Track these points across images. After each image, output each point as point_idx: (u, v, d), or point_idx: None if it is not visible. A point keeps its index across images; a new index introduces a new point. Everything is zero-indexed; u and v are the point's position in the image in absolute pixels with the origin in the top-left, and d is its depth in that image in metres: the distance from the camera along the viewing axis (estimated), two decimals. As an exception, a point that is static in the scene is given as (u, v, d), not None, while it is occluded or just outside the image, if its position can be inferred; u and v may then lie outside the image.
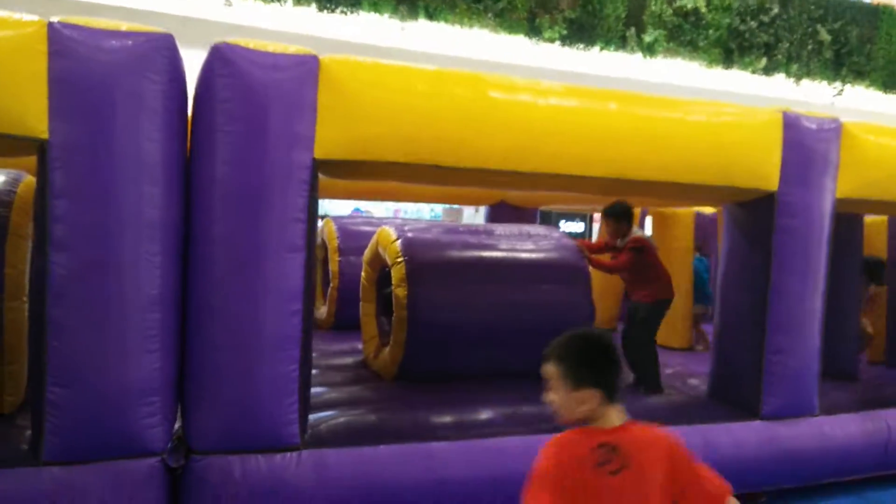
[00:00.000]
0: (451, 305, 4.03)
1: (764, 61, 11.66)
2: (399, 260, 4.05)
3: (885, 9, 12.46)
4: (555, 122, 3.45)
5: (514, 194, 7.26)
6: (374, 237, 4.46)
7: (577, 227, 15.39)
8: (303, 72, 3.00)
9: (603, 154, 3.57)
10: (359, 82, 3.12)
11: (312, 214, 3.15)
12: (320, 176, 3.20)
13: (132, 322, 2.76)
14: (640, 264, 4.54)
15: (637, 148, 3.63)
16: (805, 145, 4.00)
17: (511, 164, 3.41)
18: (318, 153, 3.07)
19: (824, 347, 4.96)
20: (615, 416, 1.88)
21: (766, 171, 3.95)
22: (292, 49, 3.03)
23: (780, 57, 11.76)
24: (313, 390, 3.91)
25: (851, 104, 12.55)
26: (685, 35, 11.26)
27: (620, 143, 3.59)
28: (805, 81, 12.21)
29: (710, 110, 3.83)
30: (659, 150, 3.68)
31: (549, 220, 16.76)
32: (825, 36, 12.04)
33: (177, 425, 3.06)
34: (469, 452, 3.29)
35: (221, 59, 2.92)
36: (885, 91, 12.83)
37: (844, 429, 4.23)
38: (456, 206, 13.86)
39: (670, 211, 5.96)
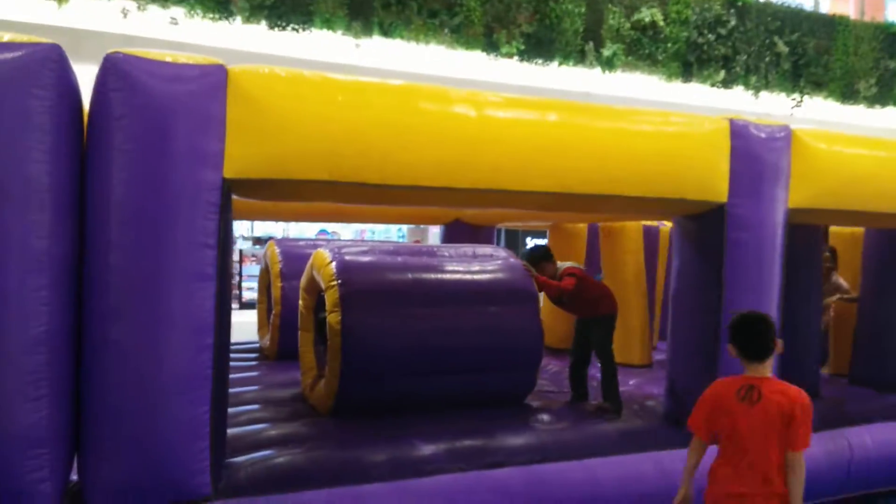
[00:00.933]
0: (389, 332, 3.79)
1: (722, 74, 11.67)
2: (333, 284, 3.80)
3: (841, 20, 12.60)
4: (491, 135, 3.25)
5: (470, 212, 7.04)
6: (310, 260, 4.21)
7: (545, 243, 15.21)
8: (208, 83, 2.76)
9: (543, 168, 3.38)
10: (273, 94, 2.88)
11: (225, 239, 2.90)
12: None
13: (13, 366, 2.47)
14: (579, 289, 4.42)
15: (579, 161, 3.44)
16: (754, 154, 3.85)
17: (443, 180, 3.20)
18: (229, 172, 2.82)
19: (785, 363, 4.84)
20: (759, 370, 2.74)
21: (714, 183, 3.78)
22: (197, 59, 2.79)
23: (738, 69, 11.79)
24: (245, 429, 3.64)
25: (810, 115, 12.62)
26: (644, 49, 11.23)
27: (561, 155, 3.40)
28: (764, 93, 12.25)
29: (656, 120, 3.66)
30: (602, 163, 3.49)
31: (516, 238, 16.61)
32: (783, 48, 12.11)
33: (74, 478, 2.76)
34: (403, 494, 3.04)
35: (116, 72, 2.66)
36: (843, 102, 12.93)
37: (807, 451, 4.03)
38: (422, 226, 13.66)
39: (619, 225, 5.79)
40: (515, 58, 10.51)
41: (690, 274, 4.07)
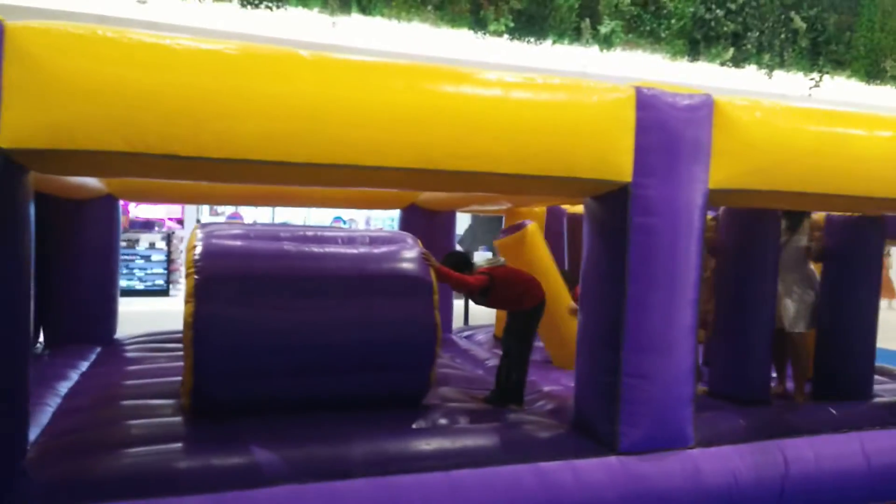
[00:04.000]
0: (251, 325, 3.43)
1: (732, 52, 10.96)
2: (191, 271, 3.46)
3: (866, -7, 11.72)
4: (335, 104, 2.85)
5: (426, 196, 6.64)
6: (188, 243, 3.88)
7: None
8: (-26, 41, 2.44)
9: (400, 141, 2.96)
10: (58, 53, 2.54)
11: (17, 222, 2.59)
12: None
13: None
14: (501, 286, 4.06)
15: (445, 133, 3.01)
16: (666, 128, 3.37)
17: (274, 153, 2.81)
18: (5, 141, 2.50)
19: (733, 369, 4.34)
20: None
21: (614, 160, 3.32)
22: (-38, 14, 2.47)
23: (749, 47, 11.05)
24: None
25: (831, 96, 11.80)
26: (645, 25, 10.60)
27: (423, 127, 2.98)
28: (780, 73, 11.48)
29: (540, 87, 3.20)
30: (473, 136, 3.05)
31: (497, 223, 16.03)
32: (800, 24, 11.32)
33: None
34: (212, 506, 2.69)
35: None
36: (868, 81, 12.06)
37: (727, 464, 3.56)
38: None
39: (526, 210, 5.34)
40: (505, 36, 10.02)
41: (595, 263, 3.62)
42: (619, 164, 3.32)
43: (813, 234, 4.60)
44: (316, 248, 3.73)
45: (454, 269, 4.13)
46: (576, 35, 10.31)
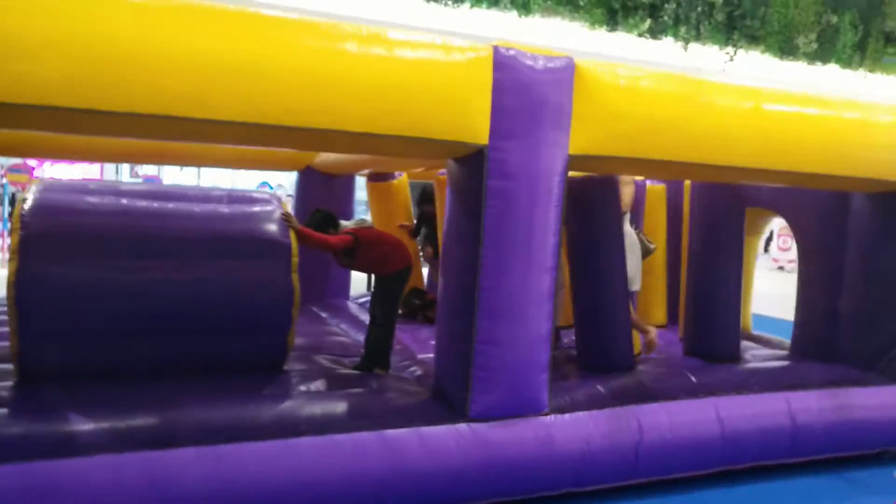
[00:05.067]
0: (80, 284, 3.22)
1: (649, 23, 10.99)
2: (16, 226, 3.21)
3: (780, -30, 11.90)
4: (154, 49, 2.63)
5: (323, 158, 6.44)
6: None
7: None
8: None
9: (232, 92, 2.77)
10: None
11: None
12: None
13: None
14: (363, 248, 3.97)
15: (283, 87, 2.83)
16: (523, 89, 3.27)
17: (83, 100, 2.58)
18: None
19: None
20: None
21: (469, 121, 3.21)
22: None
23: (666, 19, 11.11)
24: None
25: (746, 71, 12.01)
26: (563, -8, 10.51)
27: (258, 78, 2.79)
28: (696, 46, 11.60)
29: (389, 42, 3.04)
30: (316, 91, 2.89)
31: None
32: (716, -2, 11.44)
33: None
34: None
35: None
36: (782, 57, 12.32)
37: (581, 431, 3.56)
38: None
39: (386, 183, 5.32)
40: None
41: (453, 227, 3.53)
42: (475, 125, 3.21)
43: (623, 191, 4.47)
44: (160, 205, 3.52)
45: (318, 227, 4.01)
46: (494, 0, 10.16)
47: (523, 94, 3.28)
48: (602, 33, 10.95)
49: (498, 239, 3.32)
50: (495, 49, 3.24)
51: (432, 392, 3.68)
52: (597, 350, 4.24)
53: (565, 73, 3.36)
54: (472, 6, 10.13)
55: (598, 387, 3.88)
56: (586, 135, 3.43)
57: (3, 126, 2.96)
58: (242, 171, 12.16)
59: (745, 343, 5.22)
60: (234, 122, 2.82)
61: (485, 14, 10.17)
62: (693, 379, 4.15)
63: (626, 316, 4.22)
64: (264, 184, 19.37)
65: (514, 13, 10.35)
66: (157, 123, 2.78)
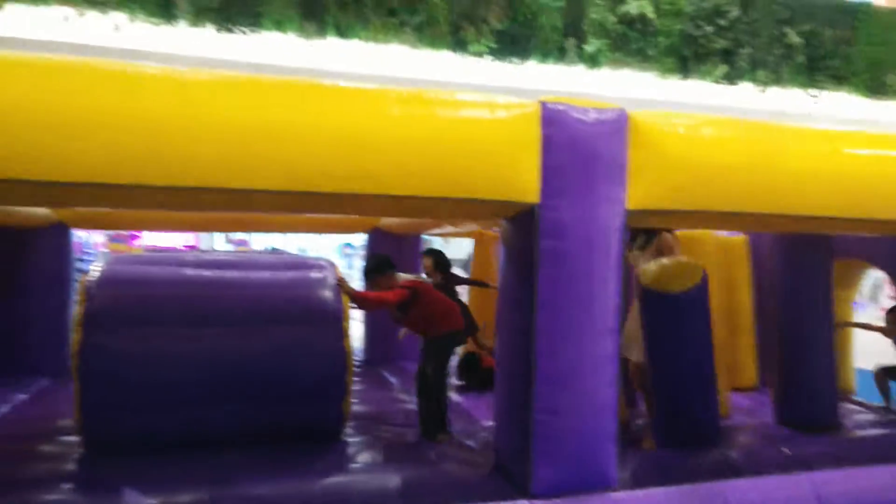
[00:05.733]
0: (139, 355, 3.25)
1: (724, 68, 10.67)
2: (82, 299, 3.30)
3: (863, 7, 11.38)
4: (186, 120, 2.65)
5: (388, 220, 6.47)
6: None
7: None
8: None
9: (266, 160, 2.76)
10: None
11: None
12: None
13: None
14: (420, 302, 3.85)
15: (317, 152, 2.81)
16: (573, 144, 3.14)
17: (126, 176, 2.63)
18: None
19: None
20: None
21: (518, 179, 3.09)
22: None
23: (742, 63, 10.76)
24: None
25: (832, 112, 11.43)
26: (632, 44, 10.37)
27: (292, 146, 2.78)
28: (776, 89, 11.15)
29: (429, 102, 3.00)
30: (351, 155, 2.85)
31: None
32: (795, 39, 11.01)
33: None
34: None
35: None
36: (870, 96, 11.66)
37: (654, 508, 3.27)
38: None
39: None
40: (488, 57, 9.86)
41: (508, 290, 3.39)
42: (523, 184, 3.10)
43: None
44: (218, 274, 3.55)
45: (377, 269, 3.96)
46: (560, 54, 10.13)
47: (574, 148, 3.15)
48: (675, 81, 10.69)
49: (553, 301, 3.14)
50: (543, 104, 3.14)
51: (494, 464, 3.48)
52: (677, 416, 3.93)
53: (618, 125, 3.22)
54: (538, 62, 10.13)
55: (678, 459, 3.57)
56: (644, 188, 3.25)
57: (52, 204, 3.06)
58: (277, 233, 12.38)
59: (846, 407, 4.76)
60: (266, 191, 2.81)
61: (551, 70, 10.14)
62: (786, 451, 3.77)
63: (712, 379, 3.91)
64: (347, 244, 19.78)
65: (582, 66, 10.28)
66: (198, 196, 2.80)
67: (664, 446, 3.79)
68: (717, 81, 10.83)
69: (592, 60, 10.22)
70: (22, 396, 4.98)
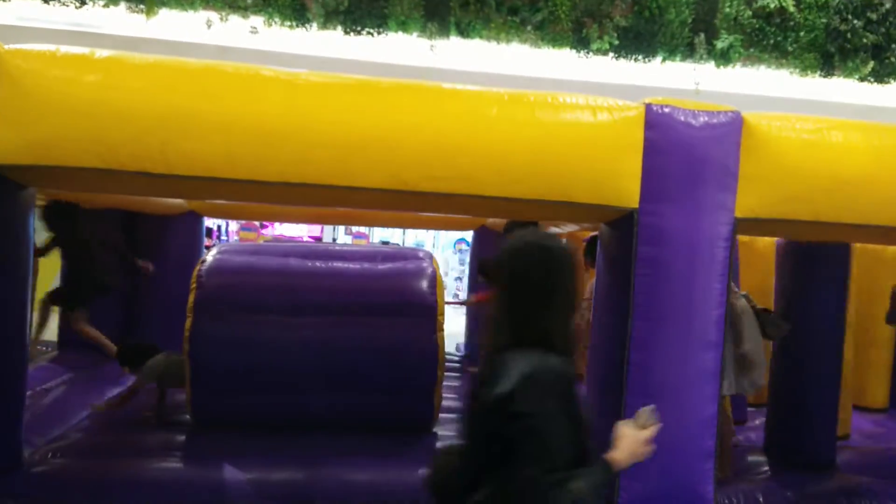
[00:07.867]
0: (244, 342, 3.46)
1: (872, 65, 9.80)
2: (193, 286, 3.55)
3: None
4: (301, 122, 2.80)
5: (495, 219, 6.47)
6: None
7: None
8: (-37, 66, 2.64)
9: (371, 160, 2.86)
10: (34, 74, 2.71)
11: (16, 231, 2.79)
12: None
13: None
14: None
15: (418, 153, 2.87)
16: (678, 148, 3.02)
17: (240, 172, 2.81)
18: (-3, 158, 2.68)
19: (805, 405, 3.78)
20: None
21: (617, 183, 3.01)
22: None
23: (894, 59, 9.84)
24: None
25: None
26: (769, 39, 9.75)
27: (395, 147, 2.86)
28: (934, 88, 10.12)
29: (529, 103, 2.97)
30: (450, 156, 2.89)
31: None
32: (958, 33, 9.94)
33: None
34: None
35: None
36: None
37: (752, 534, 3.08)
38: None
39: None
40: (610, 55, 9.61)
41: (604, 295, 3.30)
42: (622, 187, 3.00)
43: None
44: (318, 265, 3.70)
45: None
46: (688, 51, 9.69)
47: (679, 153, 3.02)
48: (814, 80, 9.96)
49: (650, 310, 3.03)
50: (648, 107, 3.03)
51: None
52: (789, 438, 3.69)
53: (730, 129, 3.05)
54: (663, 60, 9.75)
55: (788, 488, 3.34)
56: (757, 196, 3.06)
57: (176, 195, 3.30)
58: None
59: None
60: (370, 189, 2.90)
61: (678, 67, 9.73)
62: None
63: (834, 398, 3.64)
64: (462, 240, 19.97)
65: (712, 63, 9.79)
66: (306, 192, 2.94)
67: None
68: (862, 79, 9.99)
69: (724, 57, 9.71)
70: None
